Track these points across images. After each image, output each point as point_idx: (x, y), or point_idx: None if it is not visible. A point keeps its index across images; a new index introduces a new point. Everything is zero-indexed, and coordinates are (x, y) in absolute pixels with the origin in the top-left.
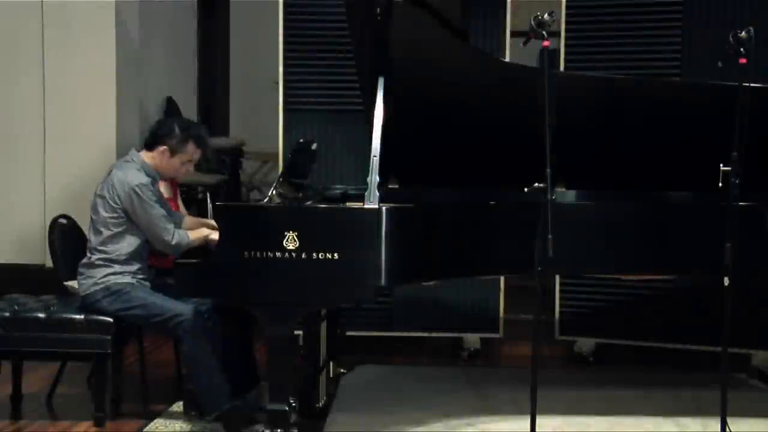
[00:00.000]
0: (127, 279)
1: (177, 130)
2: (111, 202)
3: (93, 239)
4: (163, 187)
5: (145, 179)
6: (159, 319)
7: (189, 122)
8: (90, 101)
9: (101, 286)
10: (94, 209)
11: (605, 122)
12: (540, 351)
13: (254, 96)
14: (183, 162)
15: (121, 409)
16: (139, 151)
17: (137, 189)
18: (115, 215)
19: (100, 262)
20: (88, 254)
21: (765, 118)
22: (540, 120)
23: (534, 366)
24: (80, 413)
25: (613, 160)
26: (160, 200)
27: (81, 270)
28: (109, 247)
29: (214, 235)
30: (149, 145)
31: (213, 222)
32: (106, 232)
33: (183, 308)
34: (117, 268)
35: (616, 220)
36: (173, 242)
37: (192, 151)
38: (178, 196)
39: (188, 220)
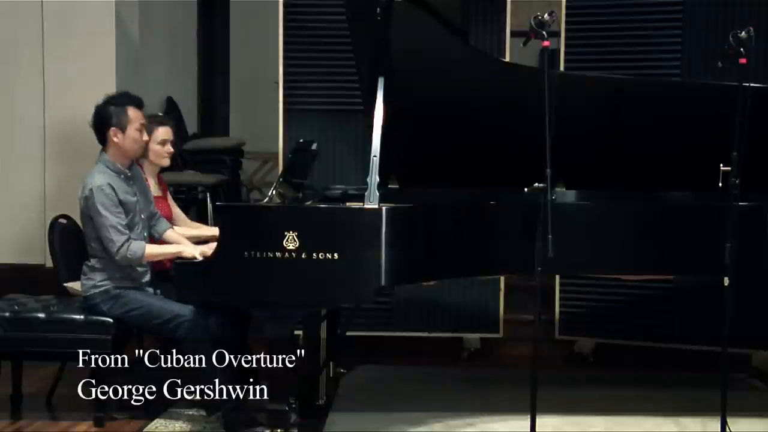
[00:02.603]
0: (127, 284)
1: (109, 107)
2: (82, 209)
3: (88, 245)
4: (153, 185)
5: (102, 181)
6: (159, 321)
7: (116, 94)
8: (90, 101)
9: (100, 289)
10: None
11: (605, 122)
12: (540, 351)
13: (254, 96)
14: (137, 129)
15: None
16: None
17: (90, 193)
18: (88, 223)
19: (99, 266)
20: (89, 258)
21: (765, 118)
22: (540, 120)
23: (534, 366)
24: (80, 413)
25: (613, 160)
26: (143, 194)
27: (84, 270)
28: (103, 252)
29: (188, 252)
30: (100, 139)
31: (203, 232)
32: (94, 240)
33: (183, 309)
34: (116, 273)
35: (616, 220)
36: (117, 256)
37: (135, 115)
38: (168, 195)
39: (172, 233)
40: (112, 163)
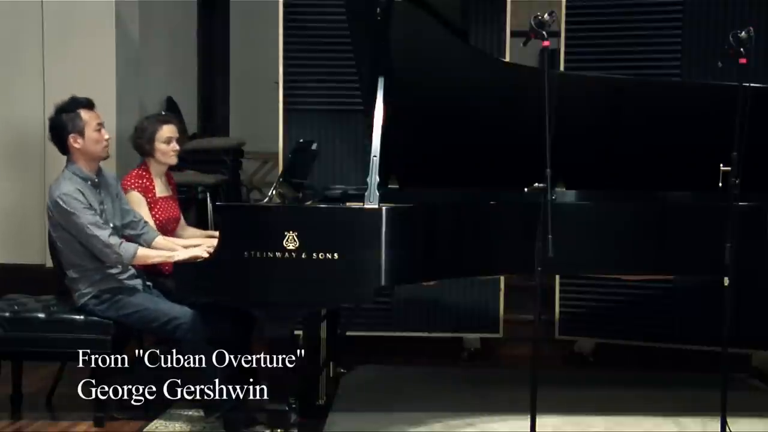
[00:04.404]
0: (113, 284)
1: (61, 115)
2: (51, 219)
3: (60, 258)
4: (160, 185)
5: (70, 188)
6: (156, 324)
7: (64, 102)
8: None
9: (89, 296)
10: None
11: (605, 122)
12: (540, 351)
13: (254, 96)
14: (95, 129)
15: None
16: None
17: (60, 200)
18: (57, 232)
19: (77, 275)
20: (66, 272)
21: (765, 118)
22: (540, 120)
23: (534, 366)
24: (80, 413)
25: (613, 160)
26: (113, 201)
27: (68, 285)
28: (77, 261)
29: (180, 257)
30: (62, 149)
31: (195, 241)
32: (64, 248)
33: (180, 311)
34: (95, 275)
35: (616, 220)
36: (109, 243)
37: (89, 116)
38: (176, 197)
39: (161, 241)
40: (79, 169)
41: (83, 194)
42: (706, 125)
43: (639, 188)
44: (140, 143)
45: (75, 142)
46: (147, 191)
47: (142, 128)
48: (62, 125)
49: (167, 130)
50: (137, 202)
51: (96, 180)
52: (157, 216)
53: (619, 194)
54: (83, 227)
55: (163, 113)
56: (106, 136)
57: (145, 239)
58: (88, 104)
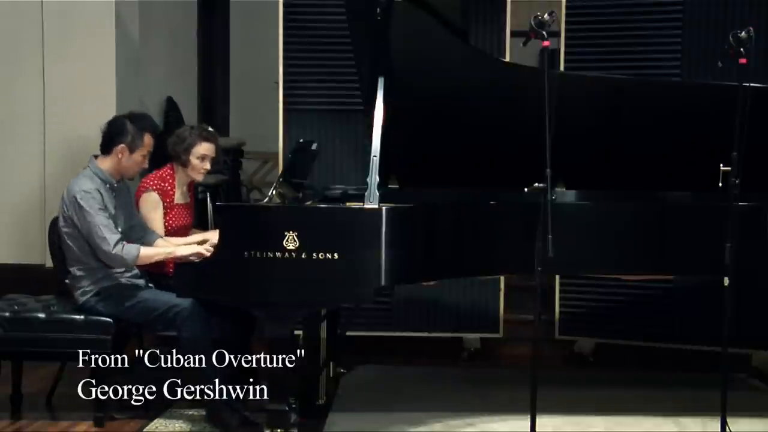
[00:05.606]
0: (114, 282)
1: (129, 126)
2: (64, 214)
3: (66, 254)
4: (180, 192)
5: (90, 186)
6: (156, 313)
7: (138, 115)
8: (90, 101)
9: (92, 292)
10: (60, 223)
11: (605, 122)
12: (540, 351)
13: (254, 96)
14: (143, 155)
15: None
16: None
17: (78, 197)
18: (68, 228)
19: (82, 273)
20: (69, 269)
21: (765, 118)
22: (540, 120)
23: (534, 366)
24: (80, 413)
25: (613, 160)
26: (124, 207)
27: (69, 282)
28: (83, 258)
29: (182, 252)
30: (105, 147)
31: (199, 237)
32: (72, 244)
33: (179, 300)
34: (98, 273)
35: (616, 220)
36: (113, 251)
37: (147, 142)
38: (193, 205)
39: (161, 242)
40: (101, 171)
41: (101, 195)
42: (706, 125)
43: (639, 188)
44: (176, 150)
45: (121, 153)
46: (165, 195)
47: (182, 137)
48: (124, 132)
49: (204, 148)
50: (153, 204)
51: (115, 185)
52: (169, 222)
53: (619, 194)
54: (95, 227)
55: (209, 129)
56: (145, 166)
57: (147, 242)
58: (155, 131)
